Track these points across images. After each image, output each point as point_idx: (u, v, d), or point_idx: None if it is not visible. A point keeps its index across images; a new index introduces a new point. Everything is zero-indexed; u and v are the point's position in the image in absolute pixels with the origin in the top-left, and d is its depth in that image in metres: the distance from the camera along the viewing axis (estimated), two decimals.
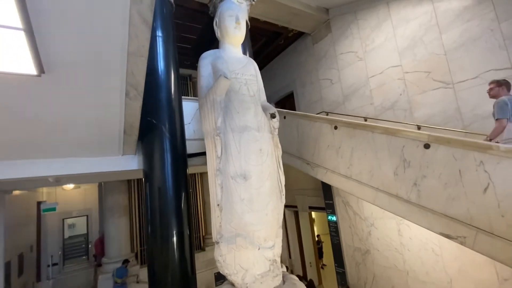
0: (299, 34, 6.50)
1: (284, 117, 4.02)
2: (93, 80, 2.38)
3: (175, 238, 3.22)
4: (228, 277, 2.70)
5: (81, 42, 2.05)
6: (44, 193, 7.72)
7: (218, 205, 2.68)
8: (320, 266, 8.42)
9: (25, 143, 2.88)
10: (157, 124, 3.33)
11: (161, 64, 3.56)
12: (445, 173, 2.22)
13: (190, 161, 3.87)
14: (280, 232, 3.05)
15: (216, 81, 2.68)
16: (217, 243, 2.68)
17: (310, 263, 7.56)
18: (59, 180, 4.63)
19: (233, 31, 2.98)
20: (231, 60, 2.97)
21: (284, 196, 3.19)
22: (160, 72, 3.53)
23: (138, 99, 2.79)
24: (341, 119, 3.16)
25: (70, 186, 7.62)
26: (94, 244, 7.49)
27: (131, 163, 3.69)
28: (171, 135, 3.42)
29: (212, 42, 5.19)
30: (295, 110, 6.91)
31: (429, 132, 2.38)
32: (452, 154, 2.18)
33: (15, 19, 1.65)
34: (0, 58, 1.90)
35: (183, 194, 3.42)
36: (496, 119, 2.51)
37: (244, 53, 4.48)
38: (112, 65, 2.28)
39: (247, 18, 4.56)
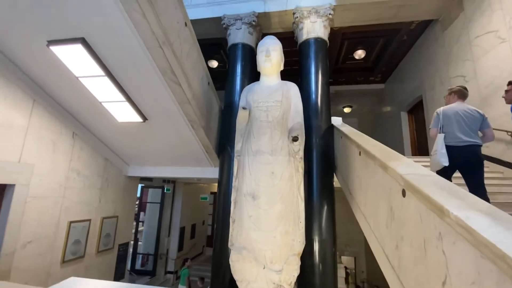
0: (426, 23, 5.01)
1: (341, 137, 3.52)
2: (169, 120, 3.75)
3: None
4: (236, 282, 3.07)
5: (154, 102, 3.45)
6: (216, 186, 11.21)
7: (231, 217, 3.14)
8: None
9: (163, 157, 4.85)
10: (225, 145, 4.29)
11: (236, 98, 4.50)
12: (415, 239, 1.32)
13: None
14: (294, 260, 2.92)
15: (238, 113, 3.19)
16: (230, 249, 3.14)
17: None
18: (200, 179, 6.88)
19: (263, 64, 3.31)
20: (260, 90, 3.32)
21: (302, 223, 2.97)
22: (235, 105, 4.47)
23: (200, 129, 3.89)
24: (362, 144, 2.44)
25: None
26: None
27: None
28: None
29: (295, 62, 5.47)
30: (424, 120, 5.32)
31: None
32: (419, 211, 1.29)
33: (120, 96, 3.25)
34: (127, 115, 3.64)
35: None
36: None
37: (317, 68, 4.41)
38: (174, 111, 3.53)
39: (317, 34, 4.47)
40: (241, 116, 3.13)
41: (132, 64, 2.91)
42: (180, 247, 7.45)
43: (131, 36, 2.57)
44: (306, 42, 4.49)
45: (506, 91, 2.55)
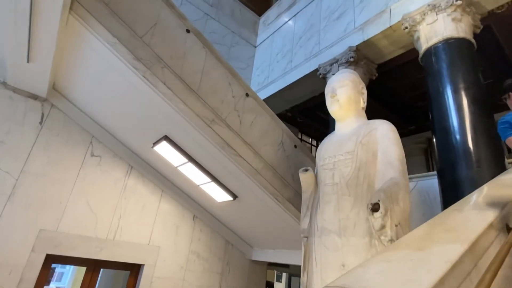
0: None
1: None
2: (253, 195, 3.89)
3: None
4: None
5: (232, 177, 3.82)
6: None
7: None
8: None
9: (273, 238, 4.77)
10: None
11: None
12: None
13: None
14: None
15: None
16: None
17: None
18: None
19: (330, 107, 2.76)
20: (329, 143, 2.70)
21: None
22: None
23: (286, 203, 3.70)
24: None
25: None
26: None
27: None
28: None
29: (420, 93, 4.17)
30: None
31: None
32: None
33: (207, 179, 3.87)
34: (221, 195, 4.17)
35: None
36: None
37: (453, 84, 3.08)
38: (251, 184, 3.68)
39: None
40: (302, 182, 2.61)
41: (199, 144, 3.45)
42: None
43: (185, 121, 3.15)
44: (427, 53, 3.32)
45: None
